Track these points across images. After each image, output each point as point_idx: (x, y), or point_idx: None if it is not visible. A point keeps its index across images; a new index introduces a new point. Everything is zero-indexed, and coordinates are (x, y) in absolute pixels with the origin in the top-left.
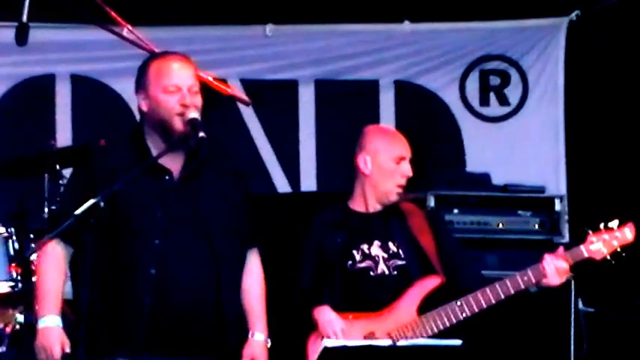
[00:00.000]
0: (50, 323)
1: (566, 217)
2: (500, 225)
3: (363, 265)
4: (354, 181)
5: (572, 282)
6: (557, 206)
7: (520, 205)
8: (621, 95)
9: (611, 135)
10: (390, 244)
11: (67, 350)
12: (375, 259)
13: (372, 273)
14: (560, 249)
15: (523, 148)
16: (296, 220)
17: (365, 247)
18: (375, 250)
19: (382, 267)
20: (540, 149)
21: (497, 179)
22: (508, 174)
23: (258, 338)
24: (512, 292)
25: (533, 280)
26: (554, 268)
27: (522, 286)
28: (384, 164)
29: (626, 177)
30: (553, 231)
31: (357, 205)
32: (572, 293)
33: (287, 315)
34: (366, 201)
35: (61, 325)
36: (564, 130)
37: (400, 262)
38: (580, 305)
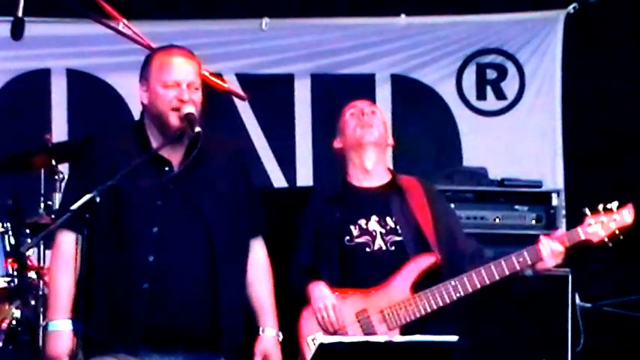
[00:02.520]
0: (61, 327)
1: (563, 212)
2: (497, 220)
3: (360, 240)
4: (344, 163)
5: (570, 277)
6: (554, 201)
7: (517, 199)
8: (619, 89)
9: (608, 129)
10: (388, 220)
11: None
12: (372, 235)
13: (368, 249)
14: (557, 231)
15: (520, 142)
16: (292, 215)
17: (363, 222)
18: (373, 225)
19: (379, 242)
20: (537, 143)
21: (494, 174)
22: (505, 168)
23: (270, 333)
24: (507, 272)
25: (529, 262)
26: (550, 250)
27: (517, 268)
28: (343, 127)
29: (623, 171)
30: (550, 226)
31: (352, 179)
32: (569, 288)
33: (284, 294)
34: (356, 174)
35: (71, 328)
36: (561, 124)
37: (397, 238)
38: (577, 301)
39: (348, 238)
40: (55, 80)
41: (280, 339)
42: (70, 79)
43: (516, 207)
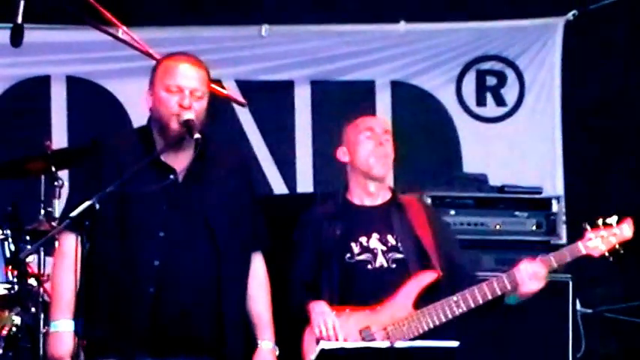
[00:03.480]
0: (62, 328)
1: (564, 218)
2: (497, 226)
3: (361, 257)
4: (345, 175)
5: (570, 283)
6: (555, 207)
7: (517, 206)
8: (618, 95)
9: (608, 135)
10: (389, 237)
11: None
12: (373, 252)
13: (370, 266)
14: (547, 255)
15: (520, 148)
16: (293, 222)
17: (364, 239)
18: (374, 242)
19: (381, 260)
20: (537, 150)
21: (494, 180)
22: (505, 175)
23: (267, 346)
24: (509, 288)
25: (509, 287)
26: (526, 274)
27: (498, 292)
28: (355, 142)
29: (623, 178)
30: (550, 232)
31: (352, 197)
32: (570, 294)
33: (284, 309)
34: (359, 190)
35: (72, 329)
36: (561, 131)
37: (399, 256)
38: (578, 306)
39: (348, 255)
40: (55, 87)
41: (277, 353)
42: (69, 86)
43: (516, 213)
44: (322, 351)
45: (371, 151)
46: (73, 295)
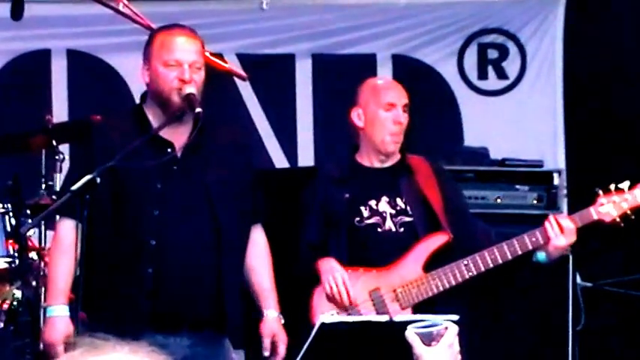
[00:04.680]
0: (58, 313)
1: (565, 192)
2: (498, 199)
3: (370, 221)
4: (357, 137)
5: (570, 256)
6: (556, 180)
7: (518, 179)
8: (620, 68)
9: (609, 108)
10: (398, 200)
11: (72, 340)
12: (382, 215)
13: (379, 229)
14: (564, 214)
15: (521, 121)
16: (294, 195)
17: (373, 202)
18: (383, 206)
19: (389, 223)
20: (539, 123)
21: (495, 153)
22: (506, 148)
23: (272, 315)
24: (520, 252)
25: (541, 241)
26: (558, 227)
27: (530, 247)
28: (374, 113)
29: (625, 151)
30: (551, 205)
31: (362, 159)
32: (570, 268)
33: (290, 275)
34: (369, 156)
35: (67, 314)
36: (563, 104)
37: (407, 219)
38: (578, 280)
39: (358, 219)
40: (56, 61)
41: (282, 321)
42: (70, 60)
43: (517, 187)
44: (322, 325)
45: (388, 130)
46: (69, 281)
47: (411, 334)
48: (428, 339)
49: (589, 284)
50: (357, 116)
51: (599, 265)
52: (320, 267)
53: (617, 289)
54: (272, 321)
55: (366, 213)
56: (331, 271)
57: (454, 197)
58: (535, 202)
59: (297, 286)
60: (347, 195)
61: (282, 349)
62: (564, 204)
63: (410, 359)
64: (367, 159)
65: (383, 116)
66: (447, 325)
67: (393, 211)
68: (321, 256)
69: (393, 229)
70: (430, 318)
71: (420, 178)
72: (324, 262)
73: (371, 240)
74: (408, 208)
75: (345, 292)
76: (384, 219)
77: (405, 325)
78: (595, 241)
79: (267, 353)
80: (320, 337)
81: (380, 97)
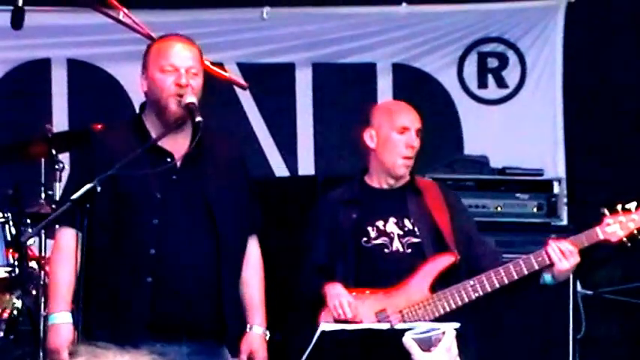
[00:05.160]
0: (60, 320)
1: (565, 200)
2: (498, 208)
3: (377, 241)
4: (368, 158)
5: None
6: (556, 189)
7: (518, 188)
8: (620, 77)
9: (609, 117)
10: (406, 221)
11: (73, 348)
12: (389, 236)
13: (386, 250)
14: (571, 237)
15: (521, 130)
16: (294, 204)
17: (380, 223)
18: (391, 226)
19: (397, 244)
20: (539, 132)
21: (496, 162)
22: (506, 157)
23: (257, 331)
24: (526, 273)
25: (547, 262)
26: (560, 253)
27: (536, 267)
28: (387, 136)
29: (625, 159)
30: (551, 214)
31: (372, 180)
32: (571, 276)
33: (293, 293)
34: (379, 177)
35: (70, 321)
36: (562, 112)
37: (415, 240)
38: (578, 288)
39: (365, 239)
40: (56, 70)
41: (267, 337)
42: (70, 69)
43: (517, 195)
44: (323, 332)
45: (400, 153)
46: (70, 288)
47: (408, 340)
48: (426, 344)
49: (589, 292)
50: (369, 137)
51: (600, 273)
52: (327, 292)
53: (618, 297)
54: (254, 337)
55: (373, 233)
56: (338, 297)
57: (462, 219)
58: (535, 210)
59: (304, 302)
60: (354, 215)
61: None
62: (564, 212)
63: None
64: (377, 180)
65: (396, 139)
66: (445, 330)
67: (401, 232)
68: (327, 278)
69: (401, 250)
70: (430, 326)
71: (429, 200)
72: (330, 287)
73: (378, 260)
74: (416, 228)
75: (351, 316)
76: (391, 239)
77: (405, 332)
78: (595, 249)
79: None
80: (321, 345)
81: (394, 120)
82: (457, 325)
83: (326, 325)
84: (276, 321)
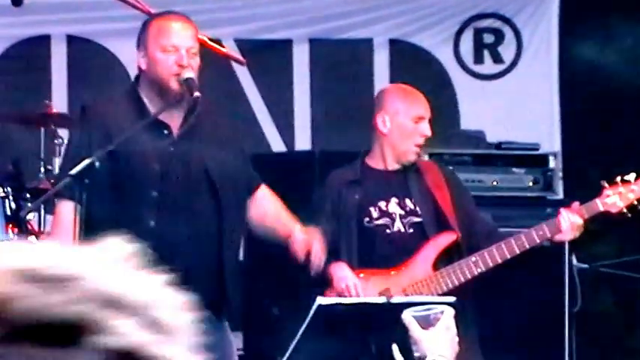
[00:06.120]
0: None
1: (560, 174)
2: (495, 182)
3: (379, 222)
4: (373, 140)
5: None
6: (552, 163)
7: (514, 162)
8: (615, 52)
9: (604, 92)
10: (407, 201)
11: None
12: (391, 217)
13: (388, 230)
14: (575, 204)
15: (517, 105)
16: (291, 179)
17: (382, 204)
18: (393, 207)
19: (398, 224)
20: (534, 106)
21: (492, 137)
22: (502, 131)
23: (298, 230)
24: (527, 246)
25: (549, 235)
26: (570, 223)
27: (537, 241)
28: (403, 124)
29: (620, 133)
30: (547, 188)
31: (375, 162)
32: (566, 250)
33: (298, 272)
34: (385, 160)
35: None
36: (558, 87)
37: (417, 220)
38: (574, 262)
39: (367, 219)
40: (55, 46)
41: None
42: (70, 45)
43: (514, 169)
44: (320, 306)
45: (415, 141)
46: None
47: (408, 317)
48: (425, 323)
49: (585, 266)
50: (382, 122)
51: (596, 246)
52: (333, 273)
53: (614, 270)
54: (302, 236)
55: (375, 214)
56: (344, 279)
57: (462, 198)
58: (531, 184)
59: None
60: (357, 196)
61: (317, 258)
62: (560, 186)
63: (406, 339)
64: (381, 163)
65: (412, 127)
66: (444, 309)
67: (403, 212)
68: (331, 258)
69: (402, 230)
70: (427, 300)
71: (429, 180)
72: (336, 268)
73: (380, 241)
74: (418, 208)
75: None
76: (393, 220)
77: (402, 306)
78: (591, 223)
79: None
80: (317, 318)
81: (411, 109)
82: (453, 299)
83: (323, 299)
84: (275, 296)
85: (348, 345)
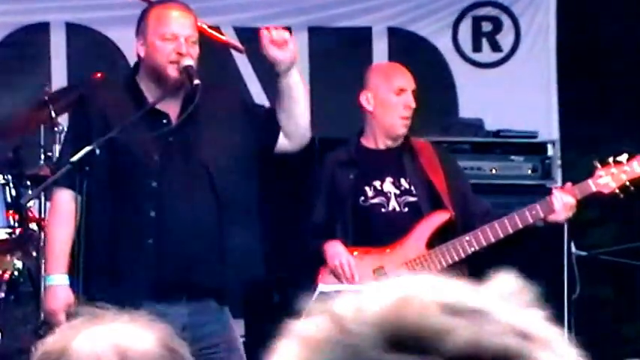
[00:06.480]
0: (57, 282)
1: (559, 162)
2: (493, 170)
3: (374, 201)
4: (364, 120)
5: (565, 225)
6: (550, 151)
7: (513, 150)
8: (613, 40)
9: (603, 80)
10: (402, 181)
11: (73, 310)
12: (386, 196)
13: (383, 209)
14: (568, 184)
15: (516, 93)
16: (291, 167)
17: (377, 183)
18: (387, 186)
19: (393, 203)
20: (533, 94)
21: (490, 125)
22: (501, 119)
23: None
24: (520, 225)
25: (542, 215)
26: (562, 203)
27: (530, 220)
28: (386, 98)
29: (618, 121)
30: (545, 176)
31: (368, 142)
32: (565, 237)
33: (296, 250)
34: (376, 138)
35: (67, 283)
36: (556, 75)
37: (411, 199)
38: (573, 249)
39: (362, 198)
40: (55, 33)
41: None
42: (69, 33)
43: (512, 157)
44: (321, 293)
45: (399, 113)
46: (67, 249)
47: None
48: None
49: (584, 253)
50: (366, 100)
51: (594, 234)
52: (327, 250)
53: (613, 258)
54: None
55: (370, 193)
56: (338, 256)
57: (457, 177)
58: (530, 172)
59: (305, 260)
60: (352, 176)
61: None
62: (558, 174)
63: None
64: (373, 142)
65: (394, 100)
66: None
67: (398, 191)
68: (327, 238)
69: (397, 209)
70: None
71: (424, 160)
72: (330, 245)
73: (375, 219)
74: (412, 188)
75: (350, 275)
76: (388, 199)
77: None
78: (590, 210)
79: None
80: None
81: (391, 82)
82: None
83: (324, 287)
84: (275, 282)
85: None
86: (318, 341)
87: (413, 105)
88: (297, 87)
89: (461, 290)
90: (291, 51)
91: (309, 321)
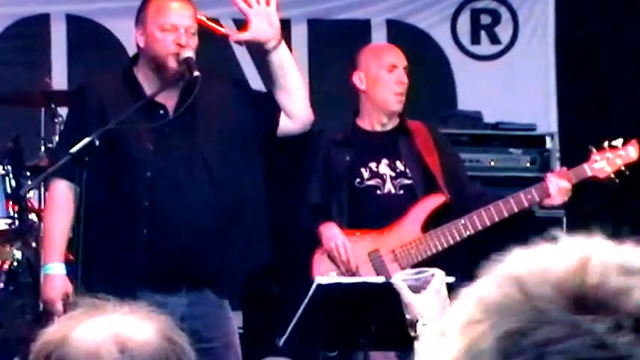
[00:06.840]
0: (55, 271)
1: (557, 154)
2: (492, 162)
3: (370, 182)
4: (358, 101)
5: (564, 219)
6: (548, 143)
7: (511, 142)
8: (612, 32)
9: (601, 72)
10: (398, 163)
11: (71, 298)
12: (382, 178)
13: (378, 191)
14: (563, 168)
15: (514, 86)
16: (289, 159)
17: (373, 165)
18: (383, 168)
19: (389, 186)
20: (531, 87)
21: (489, 117)
22: (499, 112)
23: None
24: (516, 209)
25: (537, 198)
26: (557, 187)
27: (525, 205)
28: (377, 75)
29: (616, 114)
30: (544, 168)
31: (364, 123)
32: (564, 230)
33: (293, 232)
34: (371, 118)
35: (65, 272)
36: (555, 68)
37: (407, 181)
38: None
39: (358, 180)
40: (55, 25)
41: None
42: (69, 24)
43: (511, 150)
44: (319, 286)
45: (392, 90)
46: (64, 239)
47: (398, 282)
48: (415, 286)
49: None
50: (358, 79)
51: (591, 227)
52: (322, 232)
53: None
54: None
55: (366, 175)
56: (333, 238)
57: (452, 160)
58: (528, 164)
59: (300, 241)
60: (347, 157)
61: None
62: (557, 167)
63: (405, 319)
64: (368, 122)
65: (386, 77)
66: (434, 272)
67: (393, 174)
68: (322, 219)
69: (393, 191)
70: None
71: (419, 142)
72: (325, 227)
73: (371, 202)
74: (408, 170)
75: (346, 258)
76: (383, 181)
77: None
78: (587, 202)
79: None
80: (317, 298)
81: (382, 59)
82: (452, 279)
83: (322, 279)
84: (273, 274)
85: (348, 324)
86: (500, 304)
87: (405, 81)
88: (289, 60)
89: (634, 252)
90: (276, 24)
91: (487, 284)
